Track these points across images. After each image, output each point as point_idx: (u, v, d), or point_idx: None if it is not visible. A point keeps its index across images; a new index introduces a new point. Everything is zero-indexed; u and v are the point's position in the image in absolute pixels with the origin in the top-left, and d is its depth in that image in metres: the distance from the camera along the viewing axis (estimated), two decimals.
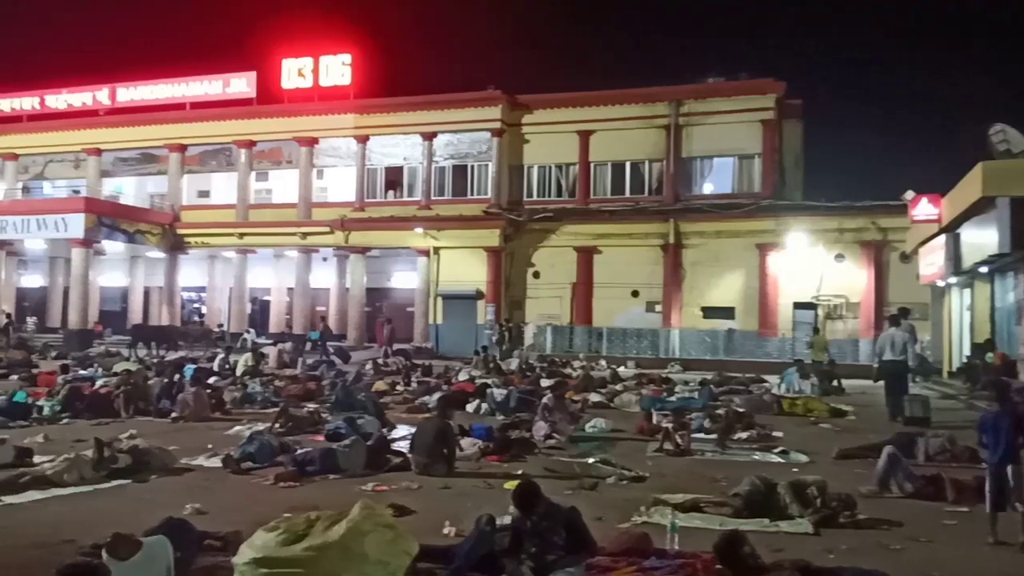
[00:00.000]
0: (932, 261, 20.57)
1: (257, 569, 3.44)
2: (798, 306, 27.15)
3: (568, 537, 5.05)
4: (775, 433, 11.69)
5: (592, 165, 30.67)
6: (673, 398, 15.37)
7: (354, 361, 23.72)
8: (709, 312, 28.16)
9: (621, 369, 22.49)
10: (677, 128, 29.47)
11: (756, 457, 10.03)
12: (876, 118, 62.60)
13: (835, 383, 18.59)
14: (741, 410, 12.69)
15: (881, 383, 13.98)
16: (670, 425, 10.51)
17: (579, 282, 29.56)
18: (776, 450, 10.35)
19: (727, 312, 27.92)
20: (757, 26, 75.32)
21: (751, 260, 27.80)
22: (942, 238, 19.02)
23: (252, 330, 31.33)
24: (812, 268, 26.97)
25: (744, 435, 11.14)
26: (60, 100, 36.54)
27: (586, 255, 29.47)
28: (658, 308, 28.90)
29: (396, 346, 27.06)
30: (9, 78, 44.51)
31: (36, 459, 8.70)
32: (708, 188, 30.50)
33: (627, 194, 30.27)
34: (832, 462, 9.53)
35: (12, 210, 31.97)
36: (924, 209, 19.99)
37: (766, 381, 19.19)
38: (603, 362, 24.46)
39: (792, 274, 27.26)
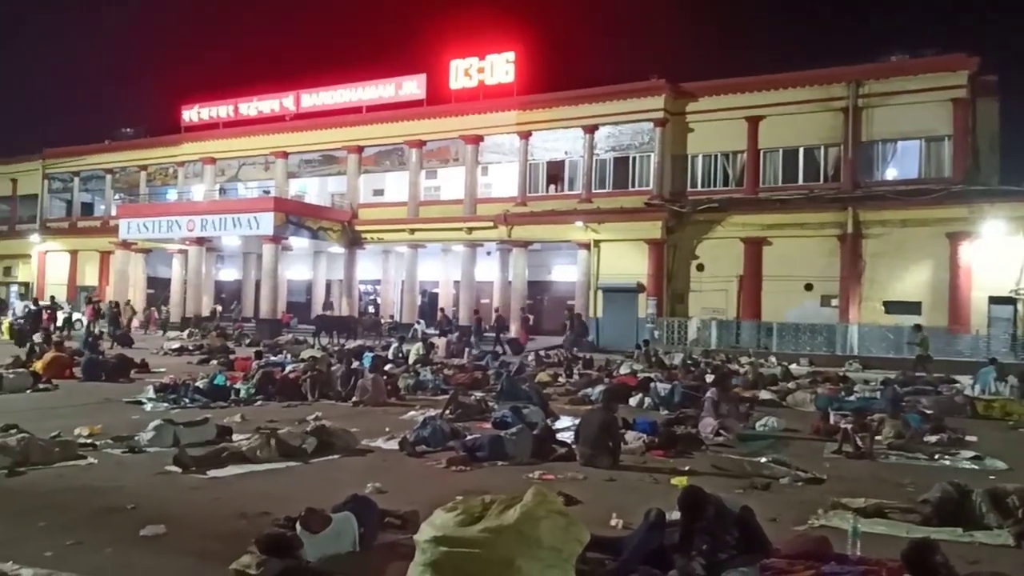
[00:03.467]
0: None
1: (437, 547, 3.61)
2: (994, 300, 24.79)
3: (741, 536, 4.92)
4: (968, 437, 10.84)
5: (761, 152, 29.44)
6: (852, 398, 14.51)
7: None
8: (892, 306, 26.29)
9: (793, 366, 21.48)
10: (856, 111, 27.70)
11: (946, 462, 9.32)
12: None
13: None
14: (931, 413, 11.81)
15: None
16: (850, 426, 9.95)
17: (746, 275, 28.53)
18: (969, 455, 9.57)
19: (912, 307, 25.93)
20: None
21: (940, 250, 25.67)
22: None
23: (422, 321, 32.75)
24: (1011, 259, 24.53)
25: (933, 439, 10.35)
26: (251, 107, 39.62)
27: (754, 246, 28.38)
28: (834, 302, 27.35)
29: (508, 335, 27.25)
30: (207, 89, 48.81)
31: (235, 437, 9.55)
32: (891, 173, 28.46)
33: (800, 182, 28.80)
34: None
35: (211, 210, 35.13)
36: None
37: (957, 381, 17.75)
38: (773, 359, 23.47)
39: (987, 265, 24.91)
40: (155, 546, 5.54)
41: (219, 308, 38.24)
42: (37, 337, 20.82)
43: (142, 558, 5.24)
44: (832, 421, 11.21)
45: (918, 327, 21.52)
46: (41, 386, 14.33)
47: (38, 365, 15.71)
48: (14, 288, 45.78)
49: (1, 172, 48.34)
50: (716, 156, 30.33)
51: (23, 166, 46.95)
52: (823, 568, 5.11)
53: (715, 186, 30.21)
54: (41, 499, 6.68)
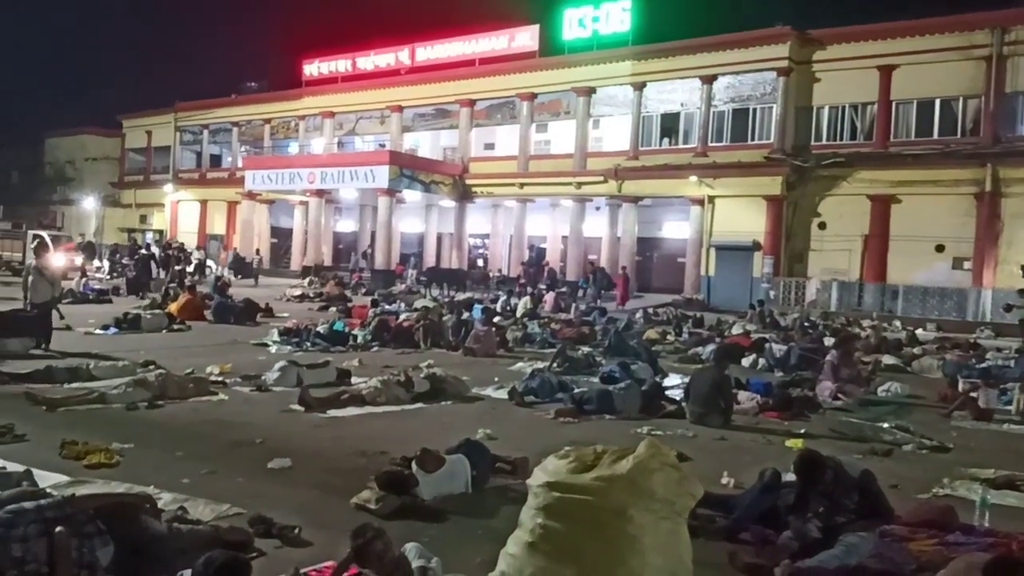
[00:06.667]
0: None
1: (550, 492, 3.66)
2: None
3: (861, 501, 4.75)
4: None
5: (893, 104, 27.59)
6: (983, 365, 13.67)
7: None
8: None
9: (919, 331, 20.45)
10: (1000, 59, 25.50)
11: None
12: None
13: None
14: None
15: None
16: (975, 389, 9.46)
17: (872, 234, 27.10)
18: None
19: None
20: None
21: None
22: None
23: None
24: None
25: None
26: (368, 62, 40.29)
27: (882, 204, 26.87)
28: (967, 265, 25.66)
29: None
30: (325, 42, 49.92)
31: (353, 380, 9.96)
32: None
33: (935, 136, 26.90)
34: None
35: (330, 163, 36.28)
36: None
37: None
38: (898, 323, 22.38)
39: None
40: (282, 478, 5.88)
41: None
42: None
43: (270, 488, 5.57)
44: (961, 389, 10.63)
45: (1023, 292, 20.10)
46: (175, 327, 15.36)
47: (172, 307, 16.82)
48: (149, 235, 48.87)
49: (137, 125, 51.37)
50: (844, 108, 28.70)
51: (156, 119, 49.67)
52: (947, 537, 4.89)
53: (841, 140, 28.64)
54: (178, 431, 7.19)
